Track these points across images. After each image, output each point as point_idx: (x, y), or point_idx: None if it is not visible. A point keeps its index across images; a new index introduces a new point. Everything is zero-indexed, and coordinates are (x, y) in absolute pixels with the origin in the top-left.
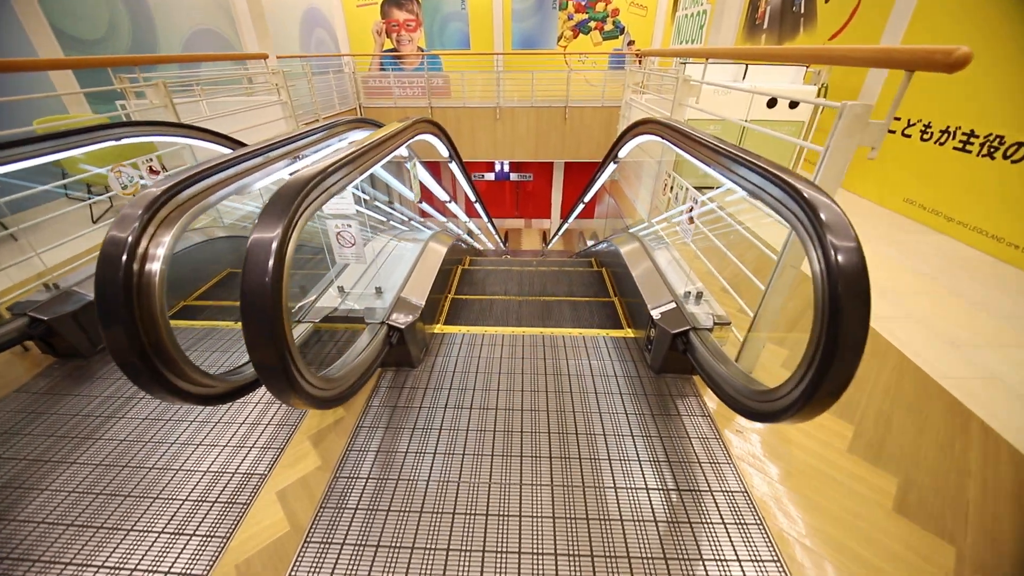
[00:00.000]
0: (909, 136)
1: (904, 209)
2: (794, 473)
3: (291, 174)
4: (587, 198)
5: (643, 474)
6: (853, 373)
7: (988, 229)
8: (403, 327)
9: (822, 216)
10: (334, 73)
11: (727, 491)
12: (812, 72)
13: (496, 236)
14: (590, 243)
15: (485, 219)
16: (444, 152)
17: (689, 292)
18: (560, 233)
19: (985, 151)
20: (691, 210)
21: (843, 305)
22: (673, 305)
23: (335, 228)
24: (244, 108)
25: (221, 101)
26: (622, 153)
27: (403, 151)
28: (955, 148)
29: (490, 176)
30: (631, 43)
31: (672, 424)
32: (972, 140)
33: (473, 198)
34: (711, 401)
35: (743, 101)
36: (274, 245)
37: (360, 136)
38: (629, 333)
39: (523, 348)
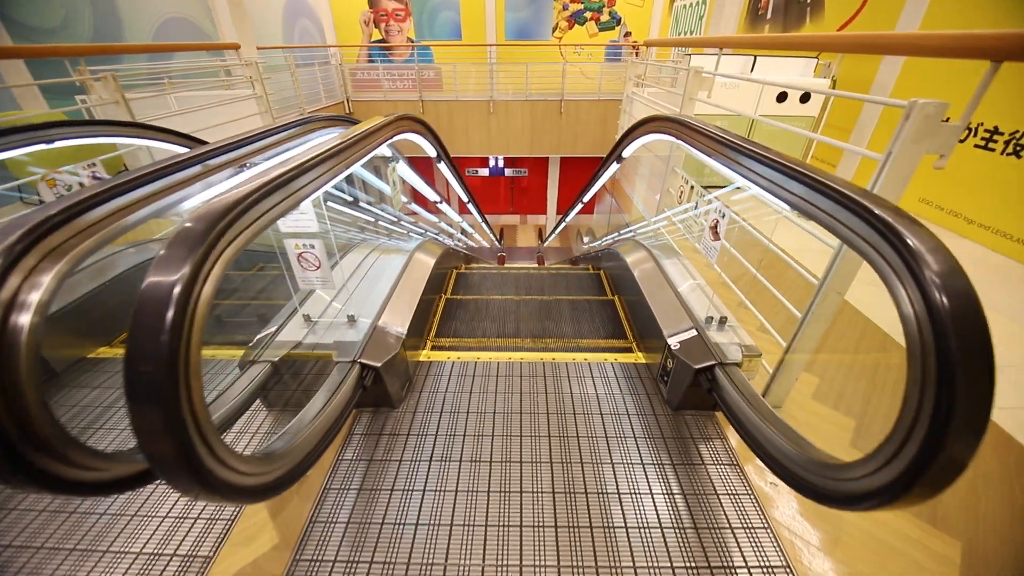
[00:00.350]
0: None
1: (920, 210)
2: (843, 539)
3: (221, 192)
4: (586, 198)
5: (666, 545)
6: (971, 457)
7: (1013, 233)
8: (379, 365)
9: (919, 248)
10: (320, 65)
11: (766, 567)
12: (822, 64)
13: (491, 235)
14: (586, 240)
15: (479, 219)
16: (431, 152)
17: (712, 317)
18: (557, 232)
19: (1010, 149)
20: (716, 225)
21: (958, 367)
22: (693, 333)
23: (294, 249)
24: (214, 103)
25: (192, 95)
26: (627, 152)
27: (385, 151)
28: (976, 146)
29: (484, 172)
30: (628, 34)
31: (696, 476)
32: (996, 137)
33: (466, 199)
34: (734, 437)
35: (751, 95)
36: (169, 315)
37: (328, 137)
38: (640, 357)
39: (521, 380)
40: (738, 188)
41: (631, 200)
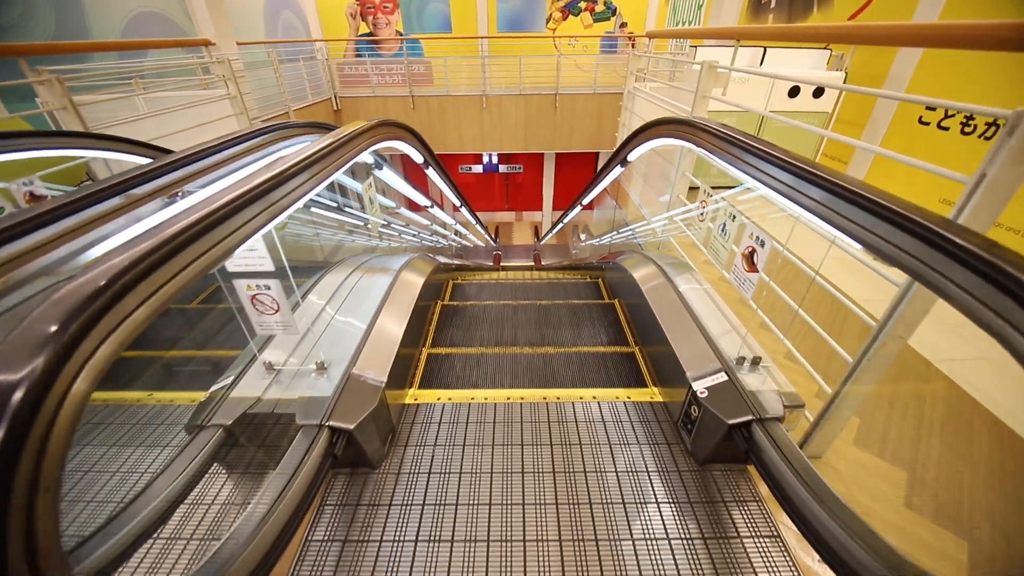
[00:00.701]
0: (947, 128)
1: (942, 212)
2: None
3: (123, 243)
4: (586, 200)
5: None
6: None
7: None
8: (353, 428)
9: None
10: (305, 60)
11: None
12: (834, 56)
13: (486, 235)
14: (583, 237)
15: (473, 221)
16: (418, 157)
17: (744, 358)
18: (553, 231)
19: None
20: (752, 254)
21: None
22: (723, 377)
23: (246, 291)
24: (183, 105)
25: (165, 96)
26: (633, 156)
27: (366, 158)
28: None
29: (478, 168)
30: (623, 25)
31: (733, 553)
32: None
33: (458, 203)
34: (766, 491)
35: (761, 90)
36: None
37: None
38: (656, 394)
39: (521, 427)
40: (747, 188)
41: (629, 196)
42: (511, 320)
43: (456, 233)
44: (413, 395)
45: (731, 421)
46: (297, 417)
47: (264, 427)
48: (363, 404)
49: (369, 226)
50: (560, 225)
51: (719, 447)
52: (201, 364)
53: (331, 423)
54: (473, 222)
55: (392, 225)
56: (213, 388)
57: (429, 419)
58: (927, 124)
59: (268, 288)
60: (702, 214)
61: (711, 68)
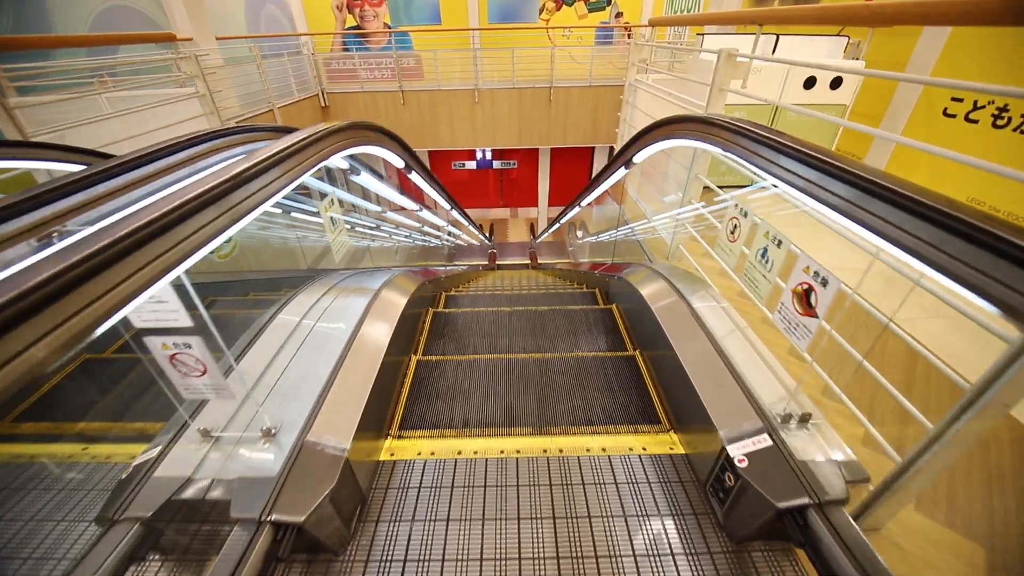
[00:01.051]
0: (975, 121)
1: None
2: None
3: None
4: (585, 202)
5: None
6: None
7: None
8: (302, 520)
9: None
10: (290, 55)
11: None
12: (851, 44)
13: (480, 235)
14: (580, 234)
15: (466, 222)
16: (398, 162)
17: (791, 414)
18: (550, 231)
19: None
20: (807, 292)
21: None
22: (766, 440)
23: (162, 350)
24: (148, 104)
25: (132, 95)
26: (639, 157)
27: (340, 163)
28: None
29: (471, 165)
30: (619, 15)
31: None
32: None
33: (448, 206)
34: None
35: (774, 81)
36: None
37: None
38: (676, 443)
39: (517, 492)
40: (761, 187)
41: (628, 192)
42: (505, 339)
43: (449, 234)
44: (389, 448)
45: (781, 505)
46: (232, 507)
47: (195, 518)
48: (319, 484)
49: (333, 250)
50: (556, 225)
51: (762, 527)
52: (118, 432)
53: (274, 517)
54: (465, 223)
55: (382, 227)
56: (137, 461)
57: (407, 481)
58: (952, 116)
59: (188, 347)
60: (733, 231)
61: (730, 57)
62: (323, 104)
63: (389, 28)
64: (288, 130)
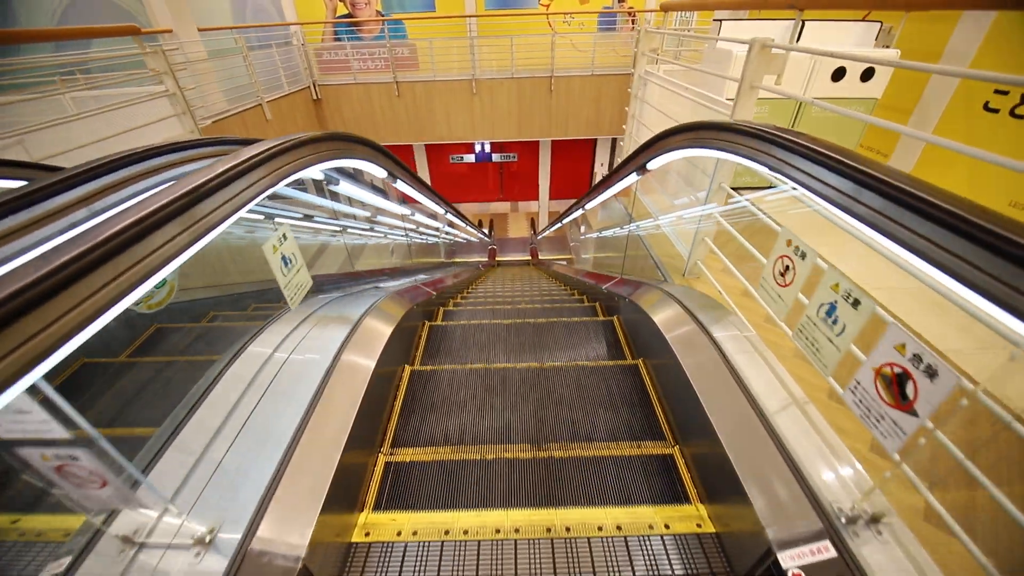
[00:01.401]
0: (1021, 117)
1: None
2: None
3: None
4: (590, 205)
5: None
6: None
7: None
8: None
9: None
10: (279, 46)
11: None
12: (882, 30)
13: (478, 233)
14: (582, 229)
15: (463, 224)
16: (379, 172)
17: (858, 516)
18: (551, 229)
19: None
20: (902, 379)
21: None
22: (828, 550)
23: (43, 461)
24: (112, 106)
25: (101, 95)
26: (654, 164)
27: (315, 174)
28: None
29: (470, 158)
30: (622, 0)
31: None
32: None
33: (442, 211)
34: None
35: (799, 74)
36: None
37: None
38: (704, 519)
39: None
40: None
41: (637, 196)
42: (507, 396)
43: (446, 233)
44: (364, 525)
45: None
46: None
47: None
48: None
49: (289, 300)
50: (558, 224)
51: None
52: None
53: None
54: (462, 224)
55: (375, 228)
56: None
57: (385, 571)
58: (995, 111)
59: (76, 459)
60: (784, 273)
61: (764, 48)
62: (315, 97)
63: (382, 16)
64: (244, 140)
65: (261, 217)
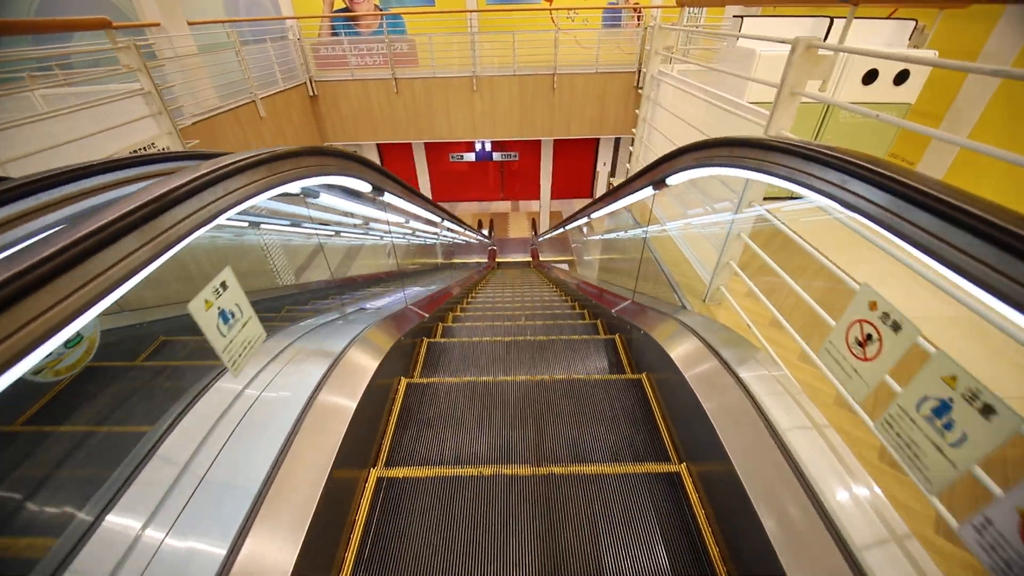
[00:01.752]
0: None
1: None
2: None
3: None
4: (596, 215)
5: None
6: None
7: None
8: None
9: None
10: (274, 41)
11: None
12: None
13: (477, 236)
14: (585, 231)
15: (461, 228)
16: (363, 187)
17: None
18: (552, 233)
19: None
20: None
21: None
22: None
23: None
24: (83, 104)
25: (74, 93)
26: (674, 180)
27: (292, 188)
28: None
29: (470, 156)
30: None
31: None
32: None
33: (438, 219)
34: None
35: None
36: None
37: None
38: None
39: None
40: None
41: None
42: (508, 442)
43: (443, 237)
44: None
45: None
46: None
47: None
48: None
49: (229, 365)
50: (560, 230)
51: None
52: None
53: None
54: (460, 229)
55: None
56: None
57: None
58: None
59: None
60: (865, 343)
61: (810, 49)
62: (311, 93)
63: (380, 10)
64: (206, 155)
65: (245, 224)
